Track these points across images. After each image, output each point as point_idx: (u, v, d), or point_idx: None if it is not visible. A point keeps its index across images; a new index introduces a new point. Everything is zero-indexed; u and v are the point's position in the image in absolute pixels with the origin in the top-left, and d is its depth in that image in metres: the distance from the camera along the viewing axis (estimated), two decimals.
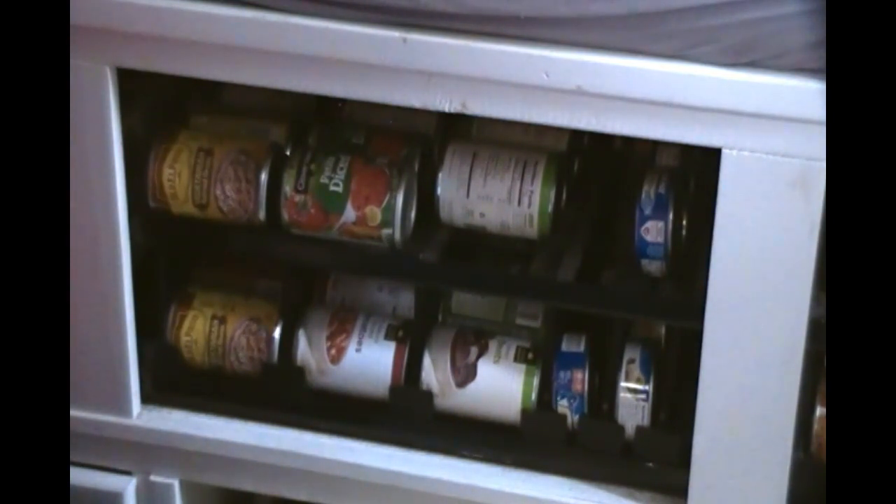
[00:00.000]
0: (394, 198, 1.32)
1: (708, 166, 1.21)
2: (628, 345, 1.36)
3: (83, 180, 1.28)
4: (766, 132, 1.15)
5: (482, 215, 1.34)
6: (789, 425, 1.25)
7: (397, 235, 1.33)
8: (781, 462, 1.26)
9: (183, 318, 1.41)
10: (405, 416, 1.38)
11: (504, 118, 1.21)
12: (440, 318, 1.42)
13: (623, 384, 1.34)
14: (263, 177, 1.34)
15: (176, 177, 1.35)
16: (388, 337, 1.38)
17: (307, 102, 1.40)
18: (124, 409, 1.39)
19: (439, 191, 1.34)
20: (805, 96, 1.13)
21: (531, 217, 1.33)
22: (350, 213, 1.33)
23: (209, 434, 1.39)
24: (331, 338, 1.39)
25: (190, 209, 1.36)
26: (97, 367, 1.37)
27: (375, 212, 1.32)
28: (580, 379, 1.35)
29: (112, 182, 1.30)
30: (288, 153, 1.37)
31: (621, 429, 1.34)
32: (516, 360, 1.36)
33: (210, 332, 1.41)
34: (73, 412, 1.29)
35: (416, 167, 1.36)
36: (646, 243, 1.31)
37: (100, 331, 1.36)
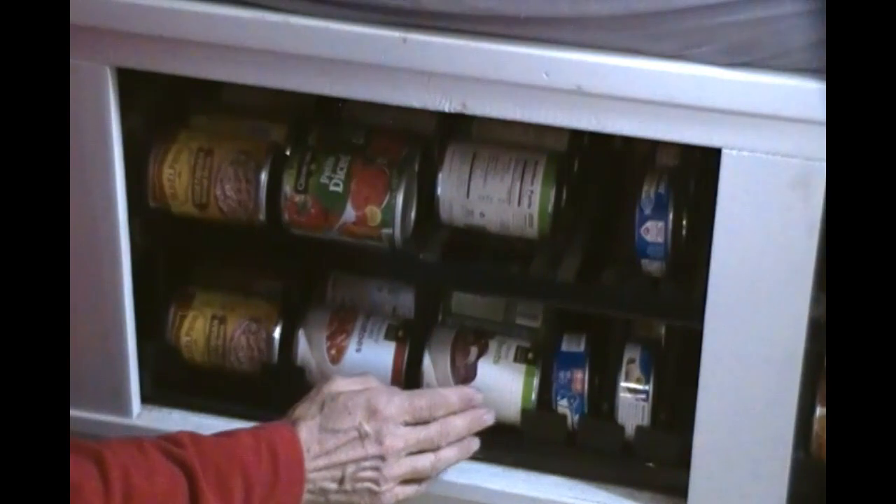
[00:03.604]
0: (394, 198, 1.32)
1: (708, 166, 1.21)
2: (628, 345, 1.36)
3: (83, 180, 1.28)
4: (766, 132, 1.15)
5: (482, 215, 1.34)
6: (789, 425, 1.25)
7: (397, 235, 1.33)
8: (781, 462, 1.26)
9: (183, 318, 1.41)
10: None
11: (504, 118, 1.21)
12: (440, 318, 1.42)
13: (623, 384, 1.34)
14: (263, 177, 1.34)
15: (176, 177, 1.35)
16: (388, 337, 1.38)
17: (307, 102, 1.40)
18: (124, 409, 1.39)
19: (439, 191, 1.34)
20: (805, 96, 1.13)
21: (531, 217, 1.33)
22: (350, 213, 1.33)
23: None
24: (331, 338, 1.39)
25: (190, 209, 1.36)
26: (97, 367, 1.37)
27: (375, 212, 1.32)
28: (580, 379, 1.35)
29: (112, 182, 1.30)
30: (288, 153, 1.37)
31: (621, 429, 1.34)
32: (516, 360, 1.36)
33: (210, 332, 1.41)
34: (73, 412, 1.29)
35: (416, 167, 1.36)
36: (646, 243, 1.31)
37: (100, 331, 1.36)
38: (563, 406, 1.36)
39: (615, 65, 1.16)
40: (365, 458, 1.24)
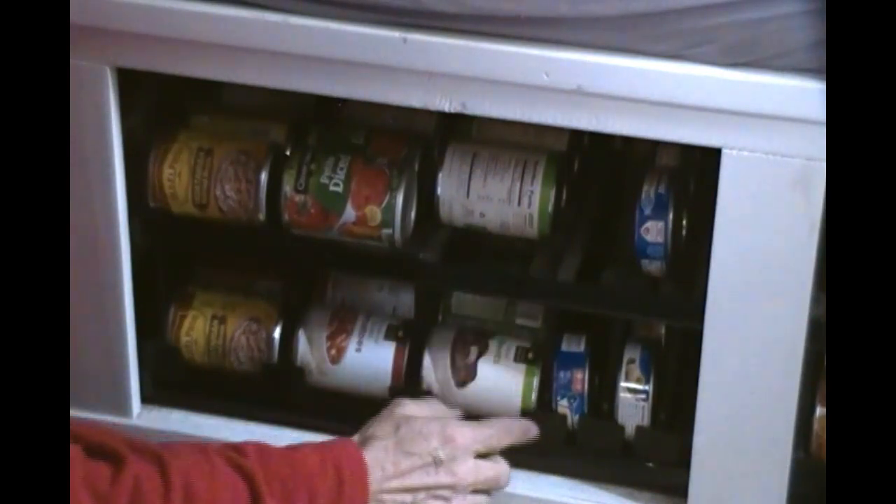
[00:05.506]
0: (394, 198, 1.32)
1: (708, 166, 1.21)
2: (628, 345, 1.36)
3: (83, 180, 1.28)
4: (766, 132, 1.15)
5: (482, 215, 1.34)
6: (789, 425, 1.25)
7: (397, 235, 1.33)
8: (781, 462, 1.26)
9: (183, 318, 1.41)
10: None
11: (504, 118, 1.21)
12: (440, 318, 1.42)
13: (623, 384, 1.34)
14: (263, 177, 1.34)
15: (176, 177, 1.35)
16: (388, 337, 1.38)
17: (307, 102, 1.40)
18: (124, 409, 1.39)
19: (439, 191, 1.34)
20: (805, 96, 1.13)
21: (531, 217, 1.33)
22: (350, 213, 1.33)
23: (209, 434, 1.39)
24: (331, 338, 1.39)
25: (190, 209, 1.36)
26: (97, 367, 1.37)
27: (375, 212, 1.32)
28: (580, 379, 1.35)
29: (112, 182, 1.30)
30: (288, 153, 1.37)
31: (621, 429, 1.34)
32: (516, 360, 1.36)
33: (210, 332, 1.41)
34: (73, 412, 1.28)
35: (416, 167, 1.36)
36: (646, 243, 1.31)
37: (100, 331, 1.36)
38: (563, 406, 1.36)
39: (615, 65, 1.16)
40: (437, 487, 1.26)
